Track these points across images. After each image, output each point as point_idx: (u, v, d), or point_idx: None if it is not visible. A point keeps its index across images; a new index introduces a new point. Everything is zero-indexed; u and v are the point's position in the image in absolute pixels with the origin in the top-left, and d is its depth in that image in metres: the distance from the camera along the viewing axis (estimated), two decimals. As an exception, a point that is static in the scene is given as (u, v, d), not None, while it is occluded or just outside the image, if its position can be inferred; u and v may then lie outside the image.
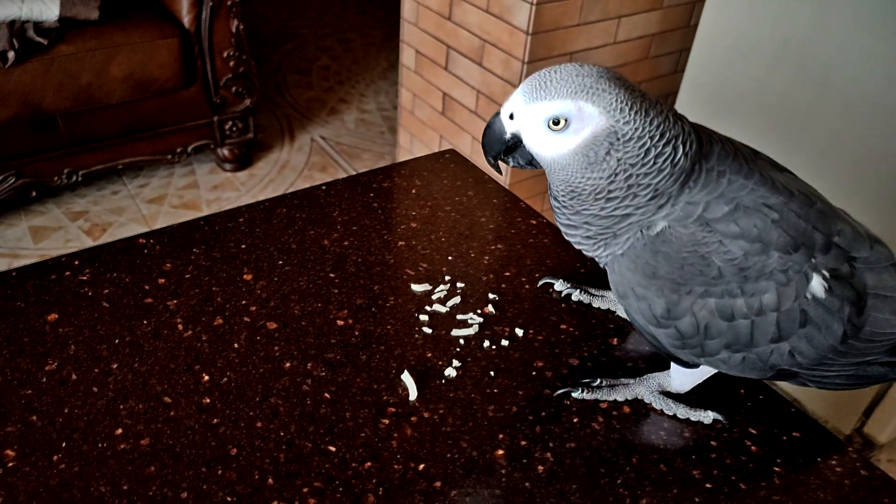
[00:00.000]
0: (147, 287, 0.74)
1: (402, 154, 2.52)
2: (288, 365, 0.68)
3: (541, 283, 0.82)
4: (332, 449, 0.61)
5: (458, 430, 0.64)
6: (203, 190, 2.64)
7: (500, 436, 0.64)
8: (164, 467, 0.57)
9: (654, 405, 0.69)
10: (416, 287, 0.79)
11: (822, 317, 0.59)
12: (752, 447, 0.65)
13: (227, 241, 0.82)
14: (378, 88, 3.41)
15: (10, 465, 0.56)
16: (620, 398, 0.69)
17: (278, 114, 3.12)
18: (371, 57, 3.70)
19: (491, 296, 0.79)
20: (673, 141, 0.57)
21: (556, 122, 0.56)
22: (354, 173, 2.81)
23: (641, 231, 0.59)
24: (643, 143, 0.56)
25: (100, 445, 0.58)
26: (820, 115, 1.66)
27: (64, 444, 0.58)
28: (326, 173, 2.77)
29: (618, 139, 0.56)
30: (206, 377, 0.65)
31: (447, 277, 0.81)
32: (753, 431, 0.67)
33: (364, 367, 0.69)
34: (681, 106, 2.02)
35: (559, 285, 0.80)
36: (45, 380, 0.63)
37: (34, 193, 2.37)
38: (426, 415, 0.65)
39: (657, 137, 0.56)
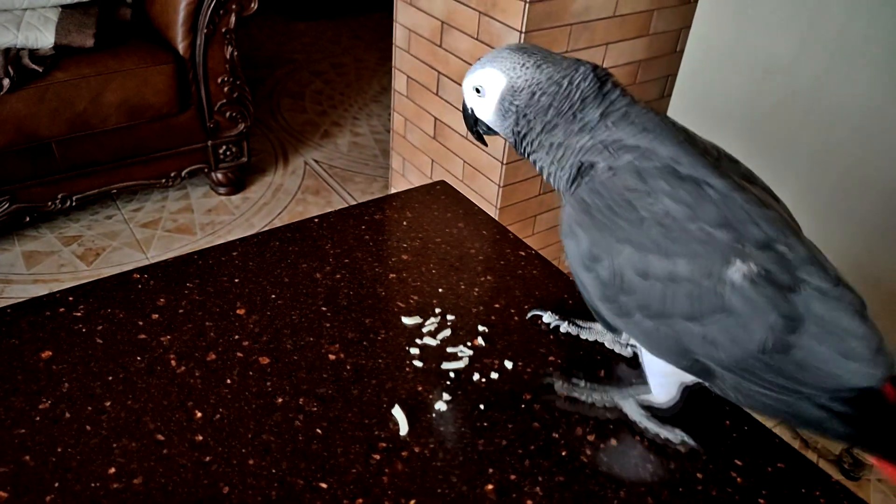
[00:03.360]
0: (141, 323, 0.75)
1: (394, 178, 2.54)
2: (280, 400, 0.69)
3: (529, 315, 0.83)
4: (324, 486, 0.62)
5: (449, 465, 0.65)
6: (197, 214, 2.65)
7: (490, 470, 0.65)
8: (157, 506, 0.58)
9: (628, 413, 0.71)
10: (406, 320, 0.80)
11: (742, 310, 0.58)
12: (738, 478, 0.66)
13: (221, 275, 0.83)
14: (371, 112, 3.44)
15: (4, 505, 0.57)
16: (598, 401, 0.71)
17: (272, 137, 3.15)
18: (364, 81, 3.73)
19: (481, 328, 0.80)
20: (559, 80, 0.65)
21: (478, 90, 0.70)
22: (347, 198, 2.82)
23: (586, 170, 0.65)
24: (531, 91, 0.66)
25: (92, 485, 0.59)
26: (805, 138, 1.69)
27: (57, 485, 0.59)
28: (320, 196, 2.79)
29: (514, 92, 0.67)
30: (199, 414, 0.66)
31: (437, 310, 0.82)
32: (739, 463, 0.68)
33: (355, 402, 0.70)
34: (670, 130, 2.05)
35: (547, 317, 0.82)
36: (38, 419, 0.64)
37: (28, 218, 2.38)
38: (417, 449, 0.66)
39: (543, 83, 0.66)
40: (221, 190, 2.75)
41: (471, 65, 2.09)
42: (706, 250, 0.58)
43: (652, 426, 0.70)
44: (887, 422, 0.59)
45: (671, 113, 2.00)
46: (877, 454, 0.61)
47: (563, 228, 0.65)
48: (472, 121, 0.74)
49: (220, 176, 2.71)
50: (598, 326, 0.80)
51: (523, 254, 0.92)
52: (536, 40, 1.81)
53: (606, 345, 0.80)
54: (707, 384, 0.65)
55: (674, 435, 0.69)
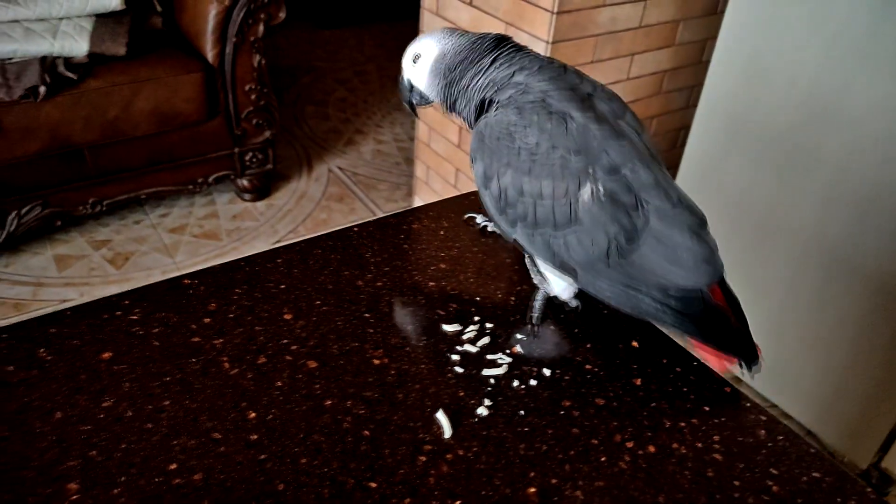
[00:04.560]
0: (194, 326, 0.78)
1: (418, 186, 2.57)
2: (328, 402, 0.71)
3: (466, 216, 1.00)
4: (373, 485, 0.64)
5: (492, 468, 0.67)
6: (223, 219, 2.69)
7: (532, 473, 0.67)
8: (217, 501, 0.61)
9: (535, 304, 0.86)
10: (447, 327, 0.82)
11: (589, 223, 0.72)
12: (774, 487, 0.68)
13: (267, 281, 0.86)
14: (394, 120, 3.47)
15: (74, 497, 0.60)
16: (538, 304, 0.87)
17: (296, 145, 3.19)
18: (387, 89, 3.77)
19: (519, 336, 0.83)
20: (473, 40, 0.82)
21: (416, 59, 0.85)
22: (371, 205, 2.84)
23: (486, 107, 0.80)
24: (456, 50, 0.82)
25: (155, 480, 0.62)
26: (830, 145, 1.70)
27: (123, 479, 0.62)
28: (343, 203, 2.83)
29: (443, 55, 0.83)
30: (253, 414, 0.69)
31: (476, 318, 0.84)
32: (775, 472, 0.70)
33: (400, 406, 0.72)
34: (693, 140, 2.07)
35: (479, 219, 0.98)
36: (102, 416, 0.67)
37: (59, 223, 2.43)
38: (460, 452, 0.68)
39: (463, 44, 0.82)
40: (247, 196, 2.80)
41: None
42: (563, 174, 0.72)
43: (535, 308, 0.86)
44: (706, 315, 0.74)
45: (696, 123, 2.02)
46: (697, 339, 0.76)
47: (470, 155, 0.80)
48: (407, 91, 0.89)
49: (245, 182, 2.75)
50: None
51: (558, 263, 0.95)
52: (562, 50, 1.84)
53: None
54: (574, 280, 0.79)
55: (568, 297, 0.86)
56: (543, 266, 0.83)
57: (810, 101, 1.71)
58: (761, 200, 1.90)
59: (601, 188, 0.71)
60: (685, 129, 2.27)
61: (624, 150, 0.73)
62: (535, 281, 0.87)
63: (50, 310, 0.79)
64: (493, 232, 0.97)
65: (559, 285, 0.84)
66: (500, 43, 0.82)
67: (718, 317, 0.75)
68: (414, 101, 0.90)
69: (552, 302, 0.87)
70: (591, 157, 0.72)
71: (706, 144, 2.02)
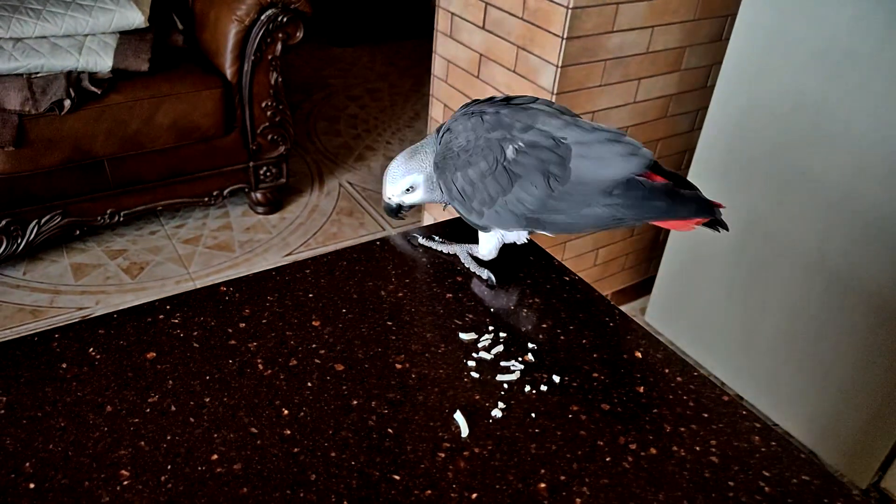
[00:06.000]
0: (230, 330, 0.84)
1: (428, 202, 2.63)
2: (355, 402, 0.77)
3: (418, 241, 1.06)
4: (397, 478, 0.70)
5: (505, 465, 0.73)
6: (236, 231, 2.76)
7: (542, 471, 0.73)
8: (255, 489, 0.67)
9: (460, 257, 1.02)
10: (463, 336, 0.88)
11: (525, 172, 0.86)
12: (766, 487, 0.74)
13: (297, 290, 0.92)
14: (404, 137, 3.54)
15: (126, 483, 0.65)
16: (445, 250, 1.03)
17: (308, 160, 3.26)
18: (398, 106, 3.84)
19: (530, 345, 0.88)
20: (442, 152, 0.94)
21: (409, 189, 0.97)
22: (380, 219, 2.90)
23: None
24: (436, 165, 0.94)
25: (199, 469, 0.68)
26: (832, 172, 1.75)
27: (169, 467, 0.67)
28: (353, 218, 2.89)
29: (431, 177, 0.96)
30: (286, 411, 0.75)
31: (491, 328, 0.90)
32: (767, 474, 0.75)
33: (421, 407, 0.78)
34: (698, 162, 2.13)
35: (422, 239, 1.05)
36: (148, 410, 0.73)
37: (77, 232, 2.50)
38: (476, 450, 0.74)
39: (438, 157, 0.94)
40: (260, 209, 2.86)
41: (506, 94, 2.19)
42: (490, 148, 0.88)
43: (471, 266, 1.01)
44: (650, 196, 0.83)
45: (700, 146, 2.09)
46: (655, 221, 0.87)
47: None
48: (395, 212, 1.01)
49: (259, 196, 2.82)
50: (457, 247, 1.04)
51: (567, 279, 1.01)
52: (571, 75, 1.91)
53: (462, 260, 1.02)
54: (540, 231, 0.93)
55: (483, 273, 0.99)
56: (485, 237, 0.99)
57: (813, 124, 1.77)
58: (764, 221, 1.96)
59: (520, 143, 0.86)
60: (690, 151, 2.34)
61: (533, 115, 0.88)
62: (471, 267, 1.02)
63: (66, 317, 0.85)
64: (430, 247, 1.07)
65: (487, 246, 1.00)
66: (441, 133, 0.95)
67: (663, 191, 0.83)
68: (402, 215, 1.03)
69: (561, 319, 0.93)
70: (506, 128, 0.88)
71: (710, 167, 2.09)
